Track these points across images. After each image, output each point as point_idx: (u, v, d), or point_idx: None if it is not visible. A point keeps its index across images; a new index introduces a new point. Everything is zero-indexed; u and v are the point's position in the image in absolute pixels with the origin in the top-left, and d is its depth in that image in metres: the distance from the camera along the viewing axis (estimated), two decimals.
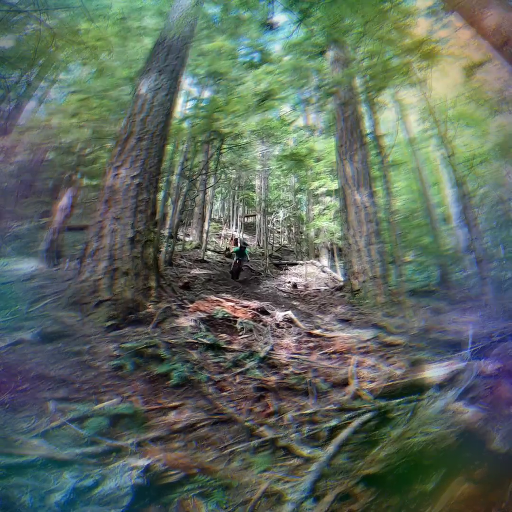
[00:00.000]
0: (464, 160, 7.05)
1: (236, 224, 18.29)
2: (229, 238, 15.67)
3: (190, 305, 4.76)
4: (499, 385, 1.74)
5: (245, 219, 19.32)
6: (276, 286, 9.56)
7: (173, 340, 3.33)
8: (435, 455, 1.34)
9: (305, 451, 1.78)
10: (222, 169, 14.36)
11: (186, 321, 3.99)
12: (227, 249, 12.85)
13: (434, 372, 2.29)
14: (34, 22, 4.59)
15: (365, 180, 7.23)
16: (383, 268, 6.50)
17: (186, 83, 7.86)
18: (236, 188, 18.58)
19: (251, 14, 9.11)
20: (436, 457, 1.32)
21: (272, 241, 17.01)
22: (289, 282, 10.47)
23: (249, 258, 9.81)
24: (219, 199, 20.22)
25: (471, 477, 1.22)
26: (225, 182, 17.36)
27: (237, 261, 8.87)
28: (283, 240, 19.12)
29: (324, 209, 13.80)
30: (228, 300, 5.32)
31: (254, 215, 18.90)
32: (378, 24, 5.59)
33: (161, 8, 8.28)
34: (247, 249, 9.45)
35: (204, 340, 3.45)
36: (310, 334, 4.25)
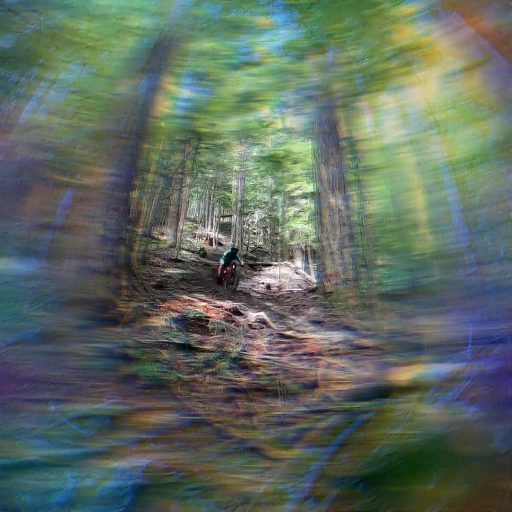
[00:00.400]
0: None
1: (212, 224, 18.38)
2: (204, 238, 15.74)
3: (162, 305, 4.72)
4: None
5: (221, 219, 19.43)
6: (250, 286, 9.52)
7: (143, 340, 3.31)
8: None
9: (275, 453, 1.79)
10: (199, 169, 14.42)
11: (157, 321, 3.97)
12: (202, 249, 12.84)
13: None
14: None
15: (340, 183, 7.37)
16: (355, 271, 6.62)
17: (168, 82, 7.89)
18: (213, 188, 18.63)
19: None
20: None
21: (247, 241, 17.15)
22: (263, 283, 10.38)
23: (242, 263, 8.54)
24: (195, 198, 20.22)
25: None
26: (202, 182, 17.42)
27: (233, 266, 7.63)
28: (259, 241, 19.20)
29: (299, 211, 13.96)
30: (201, 300, 5.28)
31: (230, 216, 18.97)
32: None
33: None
34: (238, 252, 8.35)
35: (175, 340, 3.44)
36: (282, 335, 4.26)
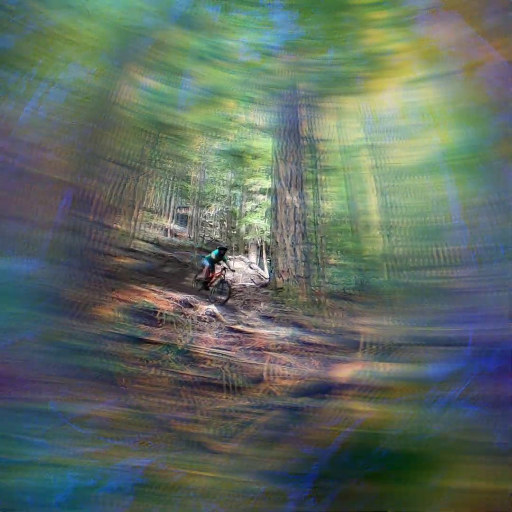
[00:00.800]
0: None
1: (169, 215, 18.49)
2: (160, 228, 15.69)
3: (112, 294, 4.63)
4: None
5: (179, 210, 19.52)
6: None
7: (92, 330, 3.27)
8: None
9: (217, 446, 1.81)
10: (158, 159, 14.55)
11: (106, 311, 3.93)
12: (156, 239, 12.73)
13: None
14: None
15: (297, 181, 7.57)
16: (307, 268, 6.78)
17: (136, 71, 7.89)
18: (171, 179, 18.69)
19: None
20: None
21: (203, 234, 17.46)
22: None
23: (232, 267, 7.26)
24: (153, 188, 20.24)
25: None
26: (161, 172, 17.50)
27: (222, 271, 6.37)
28: (215, 234, 19.40)
29: (256, 207, 14.29)
30: (152, 290, 5.22)
31: (188, 207, 19.14)
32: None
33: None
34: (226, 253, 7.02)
35: (123, 331, 3.41)
36: (231, 329, 4.31)
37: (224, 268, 6.42)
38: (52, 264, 4.15)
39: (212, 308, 4.94)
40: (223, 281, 6.29)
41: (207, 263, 6.55)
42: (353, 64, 6.35)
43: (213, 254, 6.65)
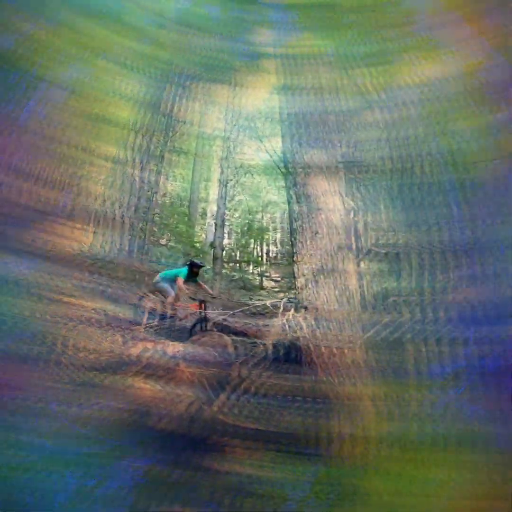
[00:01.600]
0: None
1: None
2: None
3: None
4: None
5: (14, 164, 19.43)
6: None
7: None
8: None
9: None
10: (5, 105, 14.47)
11: None
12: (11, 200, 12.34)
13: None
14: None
15: (145, 155, 7.79)
16: (132, 243, 6.93)
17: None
18: (23, 129, 18.70)
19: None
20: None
21: (35, 189, 17.40)
22: (41, 238, 10.11)
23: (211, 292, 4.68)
24: None
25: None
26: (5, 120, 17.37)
27: (202, 305, 3.94)
28: (48, 193, 19.18)
29: (95, 172, 14.41)
30: None
31: (24, 162, 19.23)
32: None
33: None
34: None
35: None
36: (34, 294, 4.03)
37: (203, 302, 3.92)
38: None
39: (19, 269, 4.14)
40: (203, 320, 3.73)
41: (169, 290, 4.15)
42: (234, 56, 6.54)
43: (181, 275, 4.18)
